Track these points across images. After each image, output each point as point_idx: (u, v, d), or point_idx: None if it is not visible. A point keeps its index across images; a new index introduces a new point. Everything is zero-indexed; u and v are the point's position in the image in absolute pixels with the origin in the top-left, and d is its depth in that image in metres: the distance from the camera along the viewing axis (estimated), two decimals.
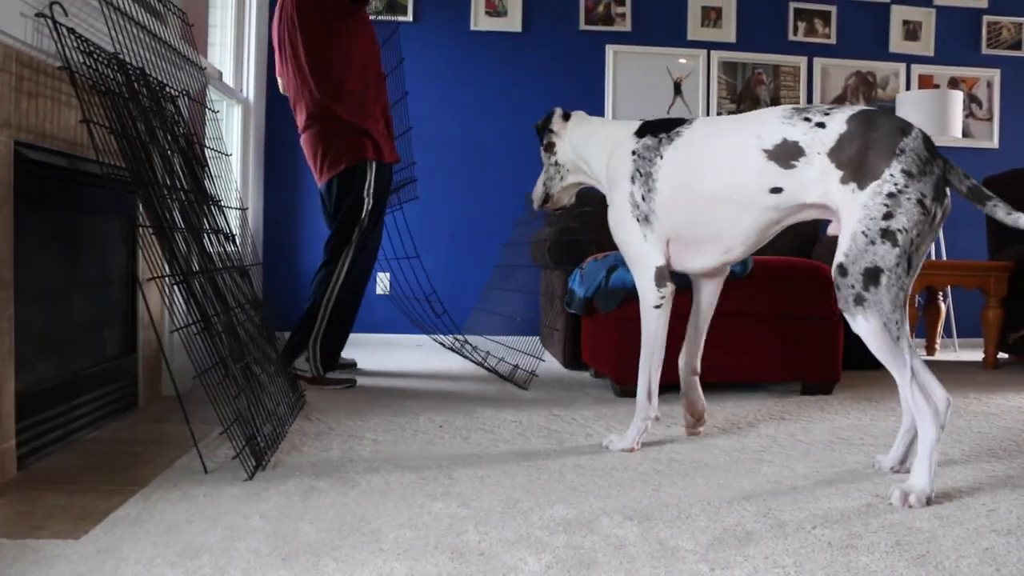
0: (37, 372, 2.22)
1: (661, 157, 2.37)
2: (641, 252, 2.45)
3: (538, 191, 2.78)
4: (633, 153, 2.43)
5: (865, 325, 1.99)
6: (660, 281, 2.44)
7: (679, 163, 2.34)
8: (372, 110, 3.66)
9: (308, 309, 3.61)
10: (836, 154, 2.07)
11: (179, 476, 2.09)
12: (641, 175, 2.40)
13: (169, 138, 2.52)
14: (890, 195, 1.95)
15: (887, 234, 1.94)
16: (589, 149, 2.61)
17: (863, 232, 1.96)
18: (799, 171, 2.14)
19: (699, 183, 2.29)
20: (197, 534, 1.68)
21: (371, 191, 3.61)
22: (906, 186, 1.96)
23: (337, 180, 3.62)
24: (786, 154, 2.15)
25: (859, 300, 1.98)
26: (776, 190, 2.17)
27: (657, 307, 2.46)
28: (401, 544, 1.64)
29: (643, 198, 2.39)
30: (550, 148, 2.73)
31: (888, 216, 1.95)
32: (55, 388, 2.31)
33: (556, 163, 2.72)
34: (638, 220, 2.41)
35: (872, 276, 1.96)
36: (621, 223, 2.47)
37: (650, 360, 2.50)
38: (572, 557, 1.59)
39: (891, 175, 1.97)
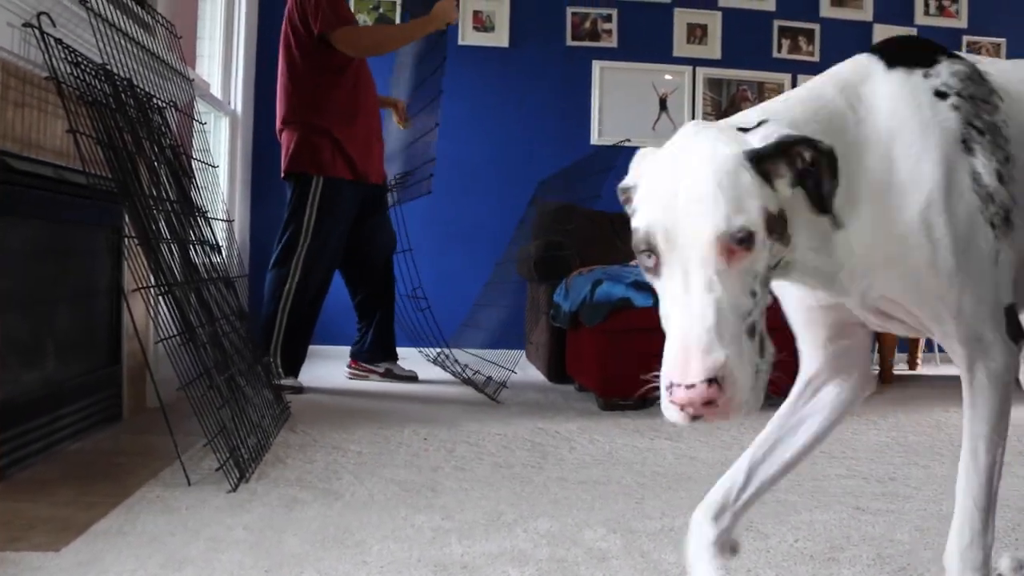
0: (20, 382, 2.21)
1: (1002, 99, 1.25)
2: (992, 281, 1.21)
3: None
4: (941, 97, 1.20)
5: None
6: (1016, 331, 1.24)
7: None
8: (353, 128, 3.69)
9: (265, 316, 3.65)
10: None
11: (162, 488, 2.08)
12: (983, 134, 1.20)
13: (156, 149, 2.52)
14: None
15: None
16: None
17: None
18: None
19: None
20: (180, 546, 1.67)
21: (314, 205, 3.62)
22: None
23: (294, 179, 3.68)
24: None
25: None
26: None
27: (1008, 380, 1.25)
28: (385, 556, 1.64)
29: (1000, 176, 1.20)
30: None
31: None
32: (38, 399, 2.29)
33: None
34: (993, 224, 1.19)
35: None
36: (954, 246, 1.17)
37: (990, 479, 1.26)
38: (555, 570, 1.59)
39: None
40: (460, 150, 5.41)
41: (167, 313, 2.18)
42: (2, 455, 2.07)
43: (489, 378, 3.89)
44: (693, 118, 5.55)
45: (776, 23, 5.67)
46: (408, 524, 1.85)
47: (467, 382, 3.96)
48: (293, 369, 3.68)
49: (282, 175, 3.75)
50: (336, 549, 1.68)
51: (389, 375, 4.07)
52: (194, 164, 2.95)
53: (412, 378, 4.10)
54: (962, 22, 5.81)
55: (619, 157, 5.27)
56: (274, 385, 3.43)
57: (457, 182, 5.42)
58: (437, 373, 4.39)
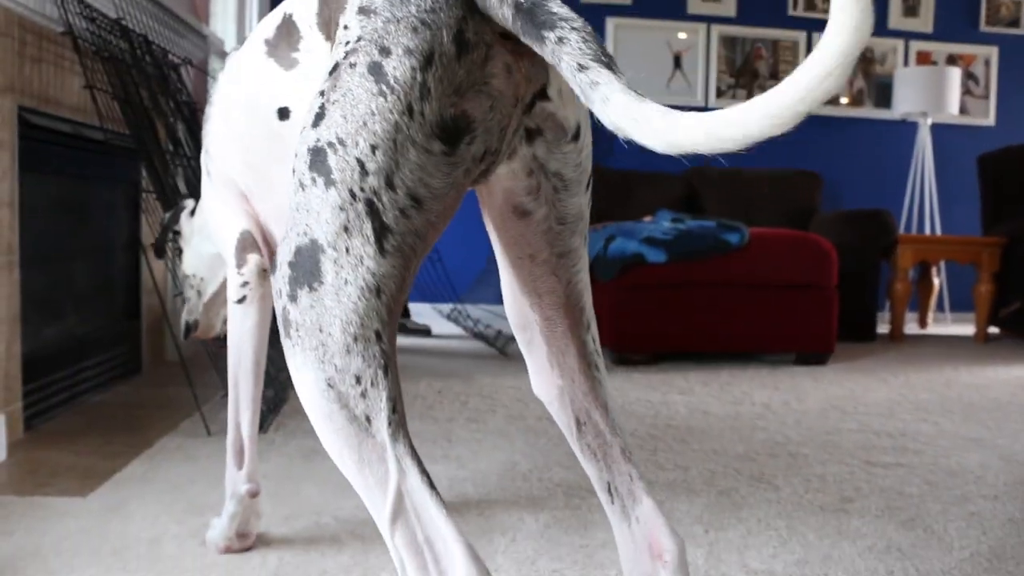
0: (42, 336, 2.24)
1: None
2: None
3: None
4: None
5: (298, 379, 0.76)
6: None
7: None
8: None
9: None
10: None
11: (183, 438, 2.12)
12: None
13: (172, 105, 2.53)
14: (334, 68, 0.79)
15: (316, 161, 0.76)
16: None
17: (292, 168, 0.80)
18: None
19: None
20: (201, 493, 1.71)
21: None
22: (358, 40, 0.78)
23: None
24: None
25: (286, 320, 0.76)
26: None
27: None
28: None
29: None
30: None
31: (319, 117, 0.77)
32: (60, 352, 2.33)
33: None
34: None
35: (303, 264, 0.76)
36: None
37: (235, 373, 1.48)
38: (570, 518, 1.62)
39: (345, 26, 0.81)
40: None
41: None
42: (27, 406, 2.11)
43: (499, 332, 3.93)
44: (707, 76, 5.52)
45: None
46: None
47: (477, 336, 4.00)
48: None
49: None
50: (353, 497, 1.71)
51: (402, 329, 4.11)
52: None
53: (425, 332, 4.14)
54: None
55: None
56: None
57: None
58: (451, 328, 4.43)
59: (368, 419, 0.74)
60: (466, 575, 0.70)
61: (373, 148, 0.73)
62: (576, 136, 0.85)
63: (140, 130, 2.19)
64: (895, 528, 1.61)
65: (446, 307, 4.70)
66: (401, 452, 0.73)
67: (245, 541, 1.45)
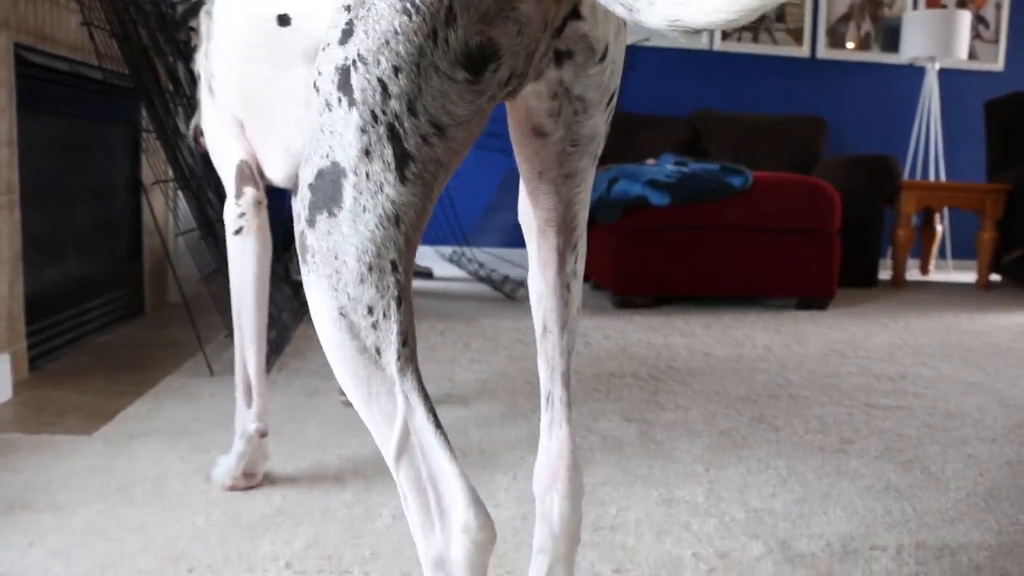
0: (45, 277, 2.24)
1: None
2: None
3: None
4: None
5: (312, 306, 0.74)
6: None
7: None
8: None
9: None
10: None
11: (186, 378, 2.13)
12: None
13: (171, 44, 2.49)
14: None
15: (343, 80, 0.71)
16: None
17: (316, 87, 0.74)
18: None
19: None
20: (204, 432, 1.73)
21: None
22: None
23: None
24: None
25: (303, 246, 0.74)
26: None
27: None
28: None
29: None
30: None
31: (346, 34, 0.71)
32: (63, 293, 2.33)
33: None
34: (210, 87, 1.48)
35: (323, 188, 0.73)
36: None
37: (238, 308, 1.50)
38: None
39: None
40: None
41: (186, 208, 2.19)
42: (31, 347, 2.12)
43: (506, 277, 3.93)
44: None
45: None
46: None
47: (484, 280, 4.00)
48: None
49: None
50: (356, 437, 1.72)
51: None
52: None
53: (427, 274, 4.14)
54: None
55: (637, 56, 5.19)
56: (292, 281, 3.47)
57: None
58: (453, 271, 4.43)
59: (378, 351, 0.72)
60: (466, 518, 0.70)
61: (396, 70, 0.69)
62: (603, 56, 0.82)
63: (139, 69, 2.16)
64: (893, 469, 1.62)
65: (447, 249, 4.70)
66: (409, 387, 0.72)
67: (251, 480, 1.46)
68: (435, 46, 0.69)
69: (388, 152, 0.71)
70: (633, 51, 4.50)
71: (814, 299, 3.57)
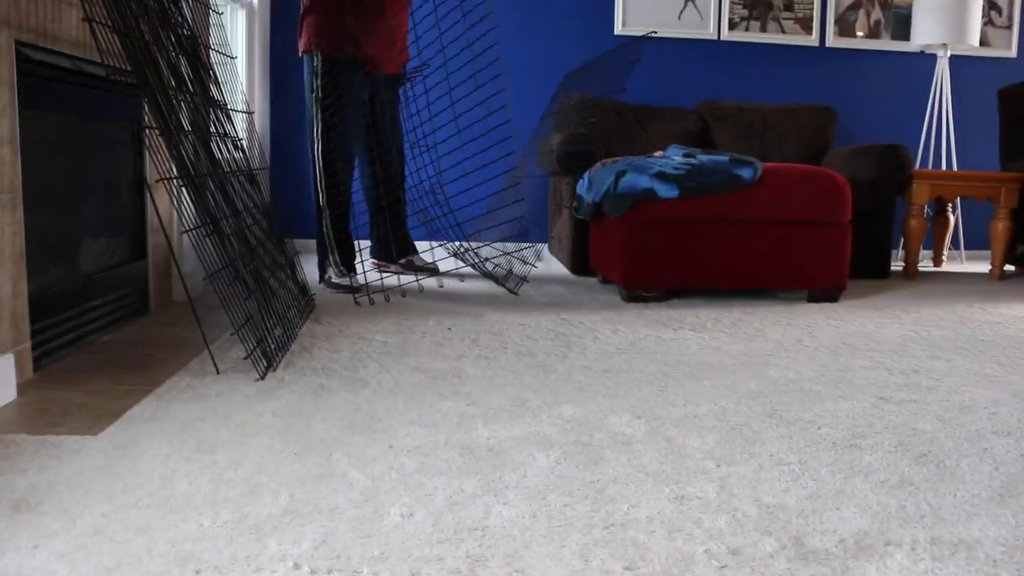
0: (49, 276, 2.23)
1: None
2: None
3: None
4: None
5: None
6: None
7: None
8: (354, 6, 3.62)
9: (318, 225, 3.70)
10: None
11: (192, 377, 2.12)
12: None
13: (173, 40, 2.48)
14: None
15: None
16: None
17: None
18: None
19: None
20: (211, 431, 1.71)
21: (318, 83, 3.61)
22: None
23: (305, 60, 3.68)
24: None
25: None
26: None
27: None
28: (412, 440, 1.67)
29: None
30: None
31: None
32: (67, 292, 2.32)
33: None
34: None
35: None
36: None
37: None
38: (580, 453, 1.62)
39: None
40: (482, 41, 5.29)
41: (191, 203, 2.18)
42: (36, 346, 2.11)
43: (510, 271, 3.91)
44: (720, 8, 5.39)
45: None
46: (434, 410, 1.88)
47: (487, 275, 3.98)
48: (349, 264, 3.72)
49: (301, 51, 3.75)
50: (364, 434, 1.71)
51: (409, 267, 4.09)
52: (212, 56, 2.91)
53: (433, 271, 4.12)
54: None
55: (645, 50, 5.16)
56: (301, 284, 3.47)
57: (479, 74, 5.32)
58: (460, 267, 4.41)
59: None
60: None
61: None
62: None
63: (141, 64, 2.14)
64: (907, 463, 1.59)
65: (452, 245, 4.69)
66: None
67: None
68: None
69: None
70: (639, 43, 4.47)
71: (825, 291, 3.54)
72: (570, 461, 1.57)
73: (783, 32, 5.45)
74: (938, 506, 1.39)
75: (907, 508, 1.38)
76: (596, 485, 1.46)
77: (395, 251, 4.10)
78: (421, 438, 1.69)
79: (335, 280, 3.61)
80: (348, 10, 3.61)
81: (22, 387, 1.97)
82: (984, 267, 5.09)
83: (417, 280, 3.85)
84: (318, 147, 3.61)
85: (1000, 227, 4.51)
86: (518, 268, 4.06)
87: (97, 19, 2.09)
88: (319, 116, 3.60)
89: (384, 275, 4.05)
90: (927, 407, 1.98)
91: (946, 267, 5.16)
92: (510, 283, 3.74)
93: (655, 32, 4.49)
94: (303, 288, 3.20)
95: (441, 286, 3.78)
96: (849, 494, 1.44)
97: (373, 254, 4.17)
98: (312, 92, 3.62)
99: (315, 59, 3.60)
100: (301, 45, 3.67)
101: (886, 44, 5.53)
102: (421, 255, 4.25)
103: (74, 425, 1.73)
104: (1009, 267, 4.88)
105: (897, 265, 5.01)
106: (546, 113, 5.01)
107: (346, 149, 3.68)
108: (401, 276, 3.93)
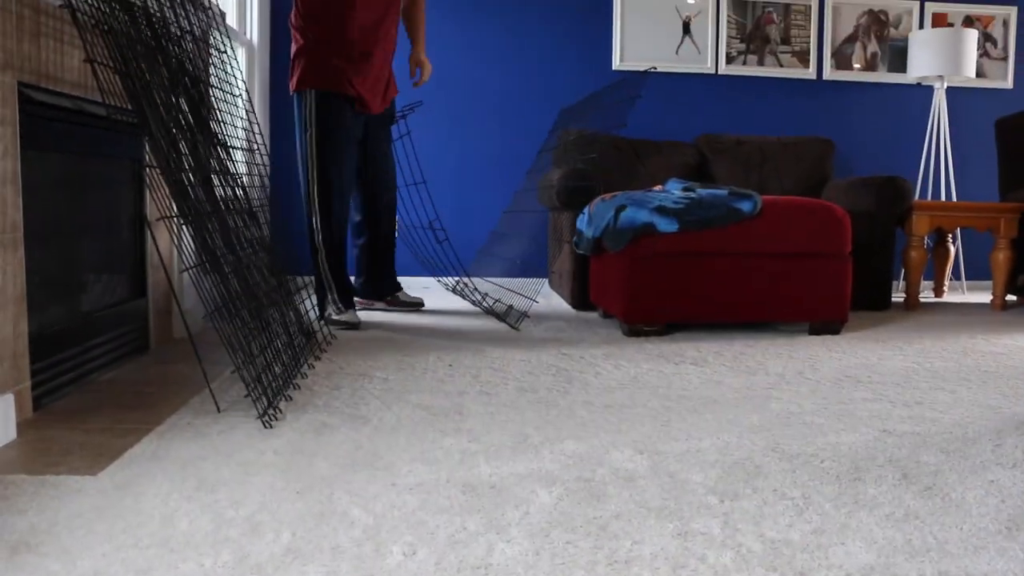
0: (49, 315, 2.23)
1: None
2: None
3: None
4: None
5: None
6: None
7: None
8: (349, 48, 3.65)
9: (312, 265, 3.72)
10: None
11: (192, 415, 2.11)
12: None
13: (174, 79, 2.50)
14: None
15: None
16: None
17: None
18: None
19: None
20: (212, 470, 1.70)
21: (311, 120, 3.63)
22: None
23: (296, 98, 3.71)
24: None
25: None
26: None
27: None
28: (414, 478, 1.66)
29: None
30: None
31: None
32: (68, 330, 2.32)
33: None
34: None
35: None
36: None
37: None
38: (583, 490, 1.61)
39: None
40: (477, 77, 5.34)
41: (191, 241, 2.19)
42: (36, 385, 2.10)
43: (510, 307, 3.91)
44: (717, 42, 5.44)
45: None
46: (436, 447, 1.87)
47: (488, 311, 3.98)
48: (347, 300, 3.72)
49: (292, 91, 3.77)
50: (366, 471, 1.70)
51: (395, 303, 4.10)
52: (214, 95, 2.93)
53: (418, 305, 4.13)
54: None
55: (644, 85, 5.19)
56: (302, 321, 3.47)
57: (476, 110, 5.36)
58: (460, 303, 4.40)
59: None
60: None
61: None
62: None
63: (142, 103, 2.16)
64: (912, 497, 1.58)
65: (451, 280, 4.70)
66: None
67: None
68: None
69: None
70: (639, 78, 4.50)
71: (827, 323, 3.53)
72: (572, 498, 1.56)
73: (780, 65, 5.50)
74: (944, 539, 1.38)
75: (913, 542, 1.37)
76: (599, 521, 1.45)
77: (384, 288, 4.11)
78: (423, 475, 1.68)
79: (335, 317, 3.61)
80: (338, 51, 3.63)
81: (22, 426, 1.96)
82: (986, 297, 5.09)
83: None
84: (314, 186, 3.63)
85: (1001, 257, 4.51)
86: (519, 303, 4.06)
87: (98, 59, 2.11)
88: (313, 153, 3.62)
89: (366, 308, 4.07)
90: (931, 439, 1.97)
91: (947, 298, 5.16)
92: (511, 319, 3.74)
93: (655, 68, 4.53)
94: (303, 325, 3.19)
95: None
96: (854, 528, 1.43)
97: (360, 293, 4.15)
98: (305, 130, 3.64)
99: (307, 96, 3.63)
100: (292, 84, 3.70)
101: (883, 76, 5.57)
102: (409, 292, 4.25)
103: (74, 464, 1.72)
104: (1011, 297, 4.87)
105: (898, 296, 5.01)
106: (543, 148, 5.03)
107: (341, 185, 3.69)
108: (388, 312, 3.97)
